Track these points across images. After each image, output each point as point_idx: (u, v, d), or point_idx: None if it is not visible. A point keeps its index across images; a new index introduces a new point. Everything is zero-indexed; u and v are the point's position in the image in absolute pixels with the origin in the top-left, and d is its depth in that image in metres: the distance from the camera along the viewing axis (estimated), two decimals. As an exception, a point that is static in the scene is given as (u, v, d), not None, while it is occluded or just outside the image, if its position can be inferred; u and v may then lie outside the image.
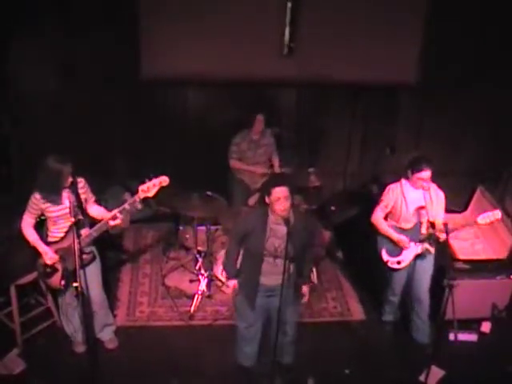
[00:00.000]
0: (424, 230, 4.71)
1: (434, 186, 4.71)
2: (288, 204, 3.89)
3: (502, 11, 6.03)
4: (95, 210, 4.51)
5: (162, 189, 4.24)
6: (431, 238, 4.65)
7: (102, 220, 4.33)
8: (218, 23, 5.85)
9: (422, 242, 4.73)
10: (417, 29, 6.12)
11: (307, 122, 6.74)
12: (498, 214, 4.48)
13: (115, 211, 4.24)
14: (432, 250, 4.75)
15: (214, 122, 6.49)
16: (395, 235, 4.75)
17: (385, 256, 4.87)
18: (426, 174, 4.55)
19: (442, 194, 4.75)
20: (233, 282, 4.37)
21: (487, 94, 6.47)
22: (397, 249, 4.80)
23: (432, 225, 4.58)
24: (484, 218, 4.47)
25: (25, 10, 5.58)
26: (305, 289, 4.40)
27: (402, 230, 4.77)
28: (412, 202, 4.70)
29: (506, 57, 6.24)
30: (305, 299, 4.52)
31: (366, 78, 6.25)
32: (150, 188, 4.19)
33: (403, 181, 4.75)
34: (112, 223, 4.25)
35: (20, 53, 5.81)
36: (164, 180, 4.22)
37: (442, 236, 4.45)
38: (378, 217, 4.83)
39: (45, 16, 5.67)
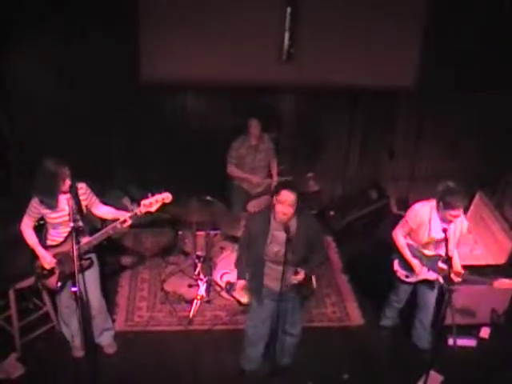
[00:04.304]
0: (441, 264, 4.53)
1: (461, 217, 4.50)
2: (290, 211, 3.91)
3: (503, 15, 6.03)
4: (105, 211, 4.50)
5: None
6: (446, 276, 4.42)
7: (113, 220, 4.32)
8: (217, 28, 5.86)
9: (436, 272, 4.62)
10: (416, 33, 6.12)
11: (306, 127, 6.75)
12: None
13: (126, 216, 4.25)
14: (441, 280, 4.60)
15: (213, 126, 6.49)
16: (410, 258, 4.63)
17: (396, 266, 4.80)
18: (459, 212, 4.35)
19: (466, 225, 4.60)
20: (241, 282, 4.39)
21: (487, 99, 6.48)
22: (409, 265, 4.72)
23: (449, 260, 4.32)
24: (500, 284, 4.60)
25: (25, 10, 5.58)
26: (301, 273, 4.08)
27: (421, 253, 4.65)
28: (436, 232, 4.49)
29: (507, 61, 6.22)
30: (294, 279, 4.11)
31: (365, 83, 6.25)
32: (152, 204, 4.22)
33: (434, 208, 4.50)
34: (119, 226, 4.26)
35: (19, 55, 5.83)
36: (167, 197, 4.24)
37: (457, 280, 4.44)
38: (398, 234, 4.70)
39: (45, 18, 5.67)
